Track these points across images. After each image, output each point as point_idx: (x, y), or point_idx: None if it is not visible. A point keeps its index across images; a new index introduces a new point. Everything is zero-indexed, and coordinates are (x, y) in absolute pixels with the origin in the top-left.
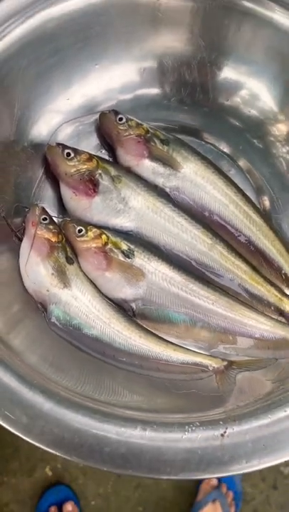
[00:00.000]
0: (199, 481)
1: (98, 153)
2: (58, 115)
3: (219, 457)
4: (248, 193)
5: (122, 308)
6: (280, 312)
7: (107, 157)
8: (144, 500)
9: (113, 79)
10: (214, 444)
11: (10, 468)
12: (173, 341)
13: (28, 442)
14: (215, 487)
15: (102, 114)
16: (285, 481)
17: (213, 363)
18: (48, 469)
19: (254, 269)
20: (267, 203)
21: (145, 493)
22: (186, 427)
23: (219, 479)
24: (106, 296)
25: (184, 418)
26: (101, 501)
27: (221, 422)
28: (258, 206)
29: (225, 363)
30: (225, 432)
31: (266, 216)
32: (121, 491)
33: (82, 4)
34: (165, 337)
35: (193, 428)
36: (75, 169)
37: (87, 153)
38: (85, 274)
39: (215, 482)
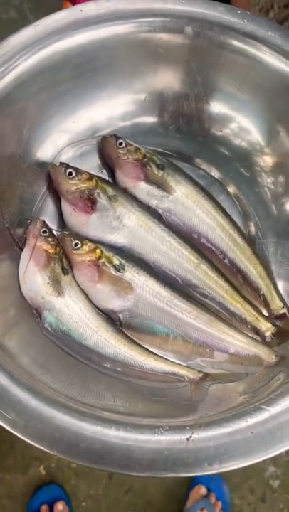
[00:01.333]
0: (189, 489)
1: (99, 174)
2: (64, 136)
3: (184, 459)
4: (235, 218)
5: (110, 318)
6: (256, 331)
7: (107, 177)
8: (134, 503)
9: (116, 106)
10: (180, 447)
11: (5, 465)
12: (155, 351)
13: (23, 440)
14: (204, 496)
15: (104, 138)
16: (273, 495)
17: (189, 374)
18: (42, 468)
19: (235, 289)
20: (252, 228)
21: (135, 497)
22: (156, 429)
23: (209, 489)
24: (96, 306)
25: (155, 422)
26: (92, 503)
27: (188, 428)
28: (244, 231)
29: (200, 374)
30: (191, 437)
31: (250, 241)
32: (112, 493)
33: (91, 38)
34: (148, 347)
35: (162, 431)
36: (75, 187)
37: (88, 173)
38: (78, 284)
39: (204, 491)
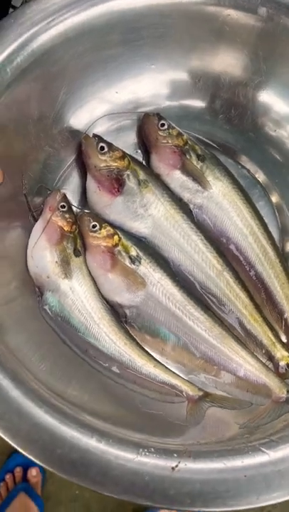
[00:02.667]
0: None
1: (133, 153)
2: (103, 106)
3: (165, 489)
4: (272, 230)
5: (115, 312)
6: (270, 357)
7: (141, 159)
8: None
9: (165, 83)
10: (163, 475)
11: None
12: (156, 357)
13: None
14: None
15: (146, 116)
16: None
17: (189, 390)
18: None
19: (256, 306)
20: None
21: None
22: (141, 449)
23: None
24: (103, 297)
25: (141, 439)
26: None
27: (176, 455)
28: (279, 245)
29: (201, 392)
30: (177, 466)
31: (283, 257)
32: None
33: (149, 2)
34: (150, 351)
35: (147, 453)
36: (104, 164)
37: (121, 151)
38: (88, 269)
39: None
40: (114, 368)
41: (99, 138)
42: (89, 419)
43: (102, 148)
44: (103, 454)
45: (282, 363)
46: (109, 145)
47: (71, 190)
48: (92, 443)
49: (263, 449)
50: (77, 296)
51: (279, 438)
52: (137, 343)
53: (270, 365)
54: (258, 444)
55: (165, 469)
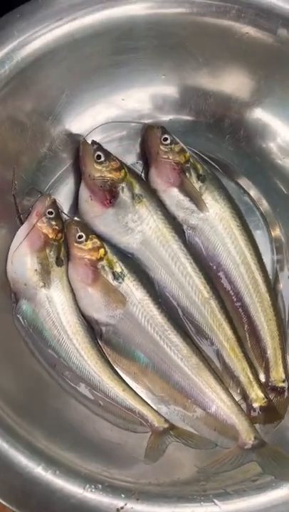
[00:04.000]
0: None
1: (133, 164)
2: (106, 111)
3: None
4: (266, 262)
5: (91, 328)
6: (244, 396)
7: (140, 170)
8: None
9: (175, 95)
10: None
11: None
12: (127, 380)
13: None
14: None
15: (150, 128)
16: None
17: (155, 420)
18: None
19: (238, 340)
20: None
21: None
22: (88, 484)
23: None
24: (80, 311)
25: (91, 472)
26: None
27: (123, 495)
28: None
29: (166, 425)
30: (122, 508)
31: (273, 292)
32: None
33: (163, 10)
34: (121, 372)
35: (94, 489)
36: (99, 174)
37: (119, 162)
38: (69, 281)
39: None
40: (81, 388)
41: (97, 146)
42: (41, 444)
43: (98, 156)
44: (48, 485)
45: (255, 405)
46: (107, 154)
47: (63, 196)
48: (38, 471)
49: (215, 500)
50: (53, 308)
51: (234, 491)
52: (109, 364)
53: (244, 405)
54: (211, 495)
55: (110, 509)
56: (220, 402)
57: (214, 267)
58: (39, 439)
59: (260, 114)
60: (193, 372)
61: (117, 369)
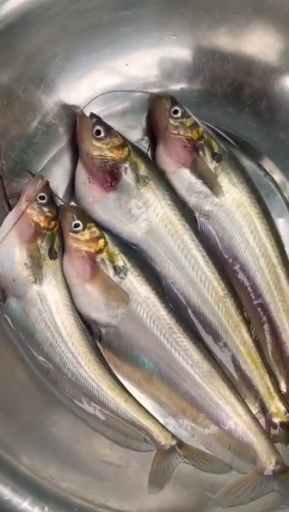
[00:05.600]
0: None
1: (138, 141)
2: (107, 79)
3: None
4: None
5: (89, 329)
6: (263, 408)
7: (146, 148)
8: None
9: (187, 59)
10: None
11: None
12: (129, 388)
13: None
14: None
15: (157, 98)
16: None
17: (161, 437)
18: None
19: (256, 344)
20: None
21: None
22: None
23: None
24: (77, 310)
25: (86, 506)
26: None
27: None
28: None
29: (174, 442)
30: None
31: None
32: None
33: None
34: (122, 379)
35: None
36: (99, 152)
37: (122, 138)
38: (64, 276)
39: None
40: (77, 398)
41: (96, 119)
42: (27, 470)
43: (98, 132)
44: None
45: (275, 420)
46: (108, 129)
47: (58, 179)
48: (24, 506)
49: None
50: (46, 306)
51: None
52: (109, 370)
53: (263, 420)
54: None
55: None
56: (235, 416)
57: (230, 260)
58: (25, 463)
59: (287, 82)
60: (204, 381)
61: (118, 376)
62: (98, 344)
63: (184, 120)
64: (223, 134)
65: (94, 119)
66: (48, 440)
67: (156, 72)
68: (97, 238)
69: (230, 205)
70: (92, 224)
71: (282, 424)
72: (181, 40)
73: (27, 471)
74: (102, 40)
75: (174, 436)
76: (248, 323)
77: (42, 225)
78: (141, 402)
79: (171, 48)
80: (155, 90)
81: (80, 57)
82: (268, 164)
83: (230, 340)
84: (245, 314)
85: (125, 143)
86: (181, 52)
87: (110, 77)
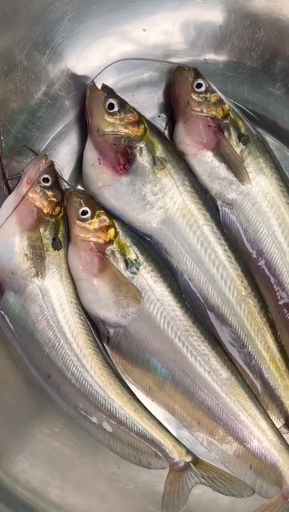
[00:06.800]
0: None
1: (155, 118)
2: (121, 46)
3: None
4: None
5: (96, 328)
6: (288, 422)
7: (162, 127)
8: None
9: (213, 25)
10: None
11: None
12: (139, 396)
13: None
14: None
15: (179, 69)
16: None
17: (174, 452)
18: None
19: (281, 350)
20: None
21: None
22: None
23: None
24: (82, 307)
25: None
26: None
27: None
28: None
29: (189, 458)
30: None
31: None
32: None
33: None
34: (132, 385)
35: None
36: (111, 128)
37: (137, 113)
38: (69, 268)
39: None
40: (81, 406)
41: (109, 91)
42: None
43: (111, 105)
44: None
45: None
46: (122, 103)
47: (65, 158)
48: None
49: None
50: (48, 303)
51: None
52: (117, 376)
53: (288, 436)
54: None
55: None
56: (258, 432)
57: (254, 256)
58: (23, 485)
59: None
60: (223, 390)
61: (127, 382)
62: (106, 346)
63: (207, 95)
64: (250, 113)
65: (106, 92)
66: (49, 457)
67: (177, 39)
68: (107, 227)
69: (257, 193)
70: (102, 211)
71: None
72: (207, 2)
73: (25, 496)
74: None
75: (188, 451)
76: (272, 326)
77: (45, 211)
78: (152, 411)
79: (195, 11)
80: (176, 60)
81: (92, 19)
82: None
83: (252, 344)
84: (270, 316)
85: (141, 120)
86: (207, 17)
87: (125, 43)
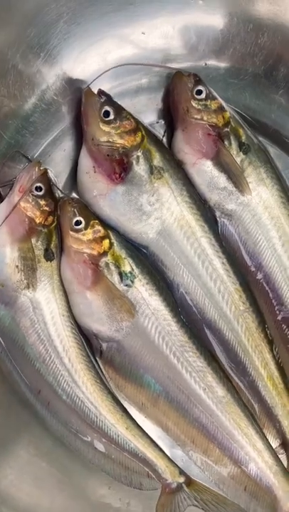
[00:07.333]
0: None
1: (153, 125)
2: (120, 50)
3: None
4: None
5: (88, 342)
6: (285, 444)
7: (160, 134)
8: None
9: (214, 29)
10: None
11: None
12: (132, 413)
13: None
14: None
15: (178, 75)
16: None
17: (168, 473)
18: None
19: (279, 367)
20: None
21: None
22: None
23: None
24: (75, 321)
25: None
26: None
27: None
28: None
29: (182, 479)
30: None
31: None
32: None
33: None
34: (124, 401)
35: None
36: (107, 138)
37: (135, 121)
38: (61, 281)
39: None
40: (72, 424)
41: (106, 97)
42: None
43: (106, 113)
44: None
45: None
46: (118, 110)
47: (59, 166)
48: None
49: None
50: (39, 316)
51: None
52: (110, 392)
53: (284, 457)
54: None
55: None
56: (252, 451)
57: (253, 269)
58: (7, 505)
59: None
60: (218, 407)
61: (119, 399)
62: (98, 361)
63: (208, 103)
64: (251, 120)
65: (102, 98)
66: (36, 479)
67: (177, 43)
68: (102, 238)
69: (257, 205)
70: (96, 221)
71: None
72: (208, 5)
73: None
74: (117, 1)
75: (182, 472)
76: (270, 342)
77: (37, 220)
78: (145, 428)
79: (196, 15)
80: (175, 65)
81: (89, 21)
82: None
83: (249, 361)
84: (268, 332)
85: (138, 127)
86: (208, 20)
87: (124, 47)
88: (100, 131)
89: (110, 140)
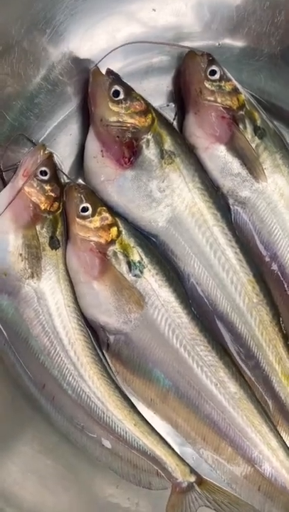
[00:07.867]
0: None
1: (163, 108)
2: (128, 27)
3: None
4: None
5: (95, 335)
6: None
7: (170, 117)
8: None
9: (230, 6)
10: None
11: None
12: (140, 409)
13: None
14: None
15: (191, 54)
16: None
17: (178, 472)
18: None
19: None
20: None
21: None
22: None
23: None
24: (81, 312)
25: None
26: None
27: None
28: None
29: (192, 478)
30: None
31: None
32: None
33: None
34: (132, 397)
35: None
36: (116, 118)
37: (145, 102)
38: (67, 269)
39: None
40: (78, 420)
41: (114, 77)
42: None
43: (116, 93)
44: None
45: None
46: (128, 90)
47: (65, 149)
48: None
49: None
50: (44, 307)
51: None
52: (117, 386)
53: None
54: None
55: None
56: (266, 450)
57: (267, 259)
58: (10, 504)
59: None
60: (230, 403)
61: (127, 393)
62: (105, 354)
63: (222, 84)
64: (266, 104)
65: (111, 77)
66: (41, 477)
67: (190, 21)
68: (109, 226)
69: (273, 192)
70: (104, 208)
71: None
72: None
73: None
74: None
75: (192, 470)
76: (285, 336)
77: (42, 206)
78: (154, 425)
79: None
80: (188, 44)
81: None
82: None
83: (263, 355)
84: (283, 325)
85: (148, 109)
86: None
87: (133, 24)
88: (110, 112)
89: (120, 120)
